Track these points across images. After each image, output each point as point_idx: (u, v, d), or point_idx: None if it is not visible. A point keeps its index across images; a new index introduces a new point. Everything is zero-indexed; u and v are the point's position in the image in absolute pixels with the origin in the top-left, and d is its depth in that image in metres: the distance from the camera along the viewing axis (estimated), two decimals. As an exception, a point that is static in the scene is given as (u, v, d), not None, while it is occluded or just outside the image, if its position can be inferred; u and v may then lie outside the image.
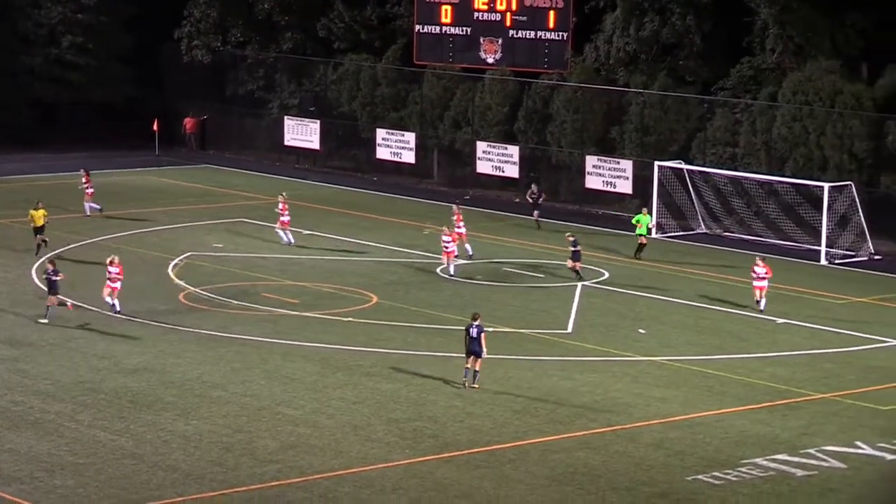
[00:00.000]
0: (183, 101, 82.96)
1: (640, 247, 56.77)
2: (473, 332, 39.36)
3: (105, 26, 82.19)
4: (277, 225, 58.13)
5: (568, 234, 54.84)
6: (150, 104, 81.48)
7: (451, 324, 46.45)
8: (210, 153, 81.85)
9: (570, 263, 53.05)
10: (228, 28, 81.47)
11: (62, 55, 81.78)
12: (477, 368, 39.46)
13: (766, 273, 48.61)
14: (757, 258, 49.28)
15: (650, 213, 59.32)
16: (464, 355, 39.91)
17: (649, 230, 57.88)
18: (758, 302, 48.53)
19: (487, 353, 39.69)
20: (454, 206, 57.73)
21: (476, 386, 39.24)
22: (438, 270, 53.93)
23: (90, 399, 38.56)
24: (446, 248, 53.26)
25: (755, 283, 48.73)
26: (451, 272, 52.85)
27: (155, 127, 79.95)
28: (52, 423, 36.64)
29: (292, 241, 57.62)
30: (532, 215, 62.72)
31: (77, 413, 37.44)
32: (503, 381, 40.68)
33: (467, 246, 55.75)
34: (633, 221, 57.73)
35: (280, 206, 58.08)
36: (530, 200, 63.17)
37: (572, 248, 53.07)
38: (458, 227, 55.58)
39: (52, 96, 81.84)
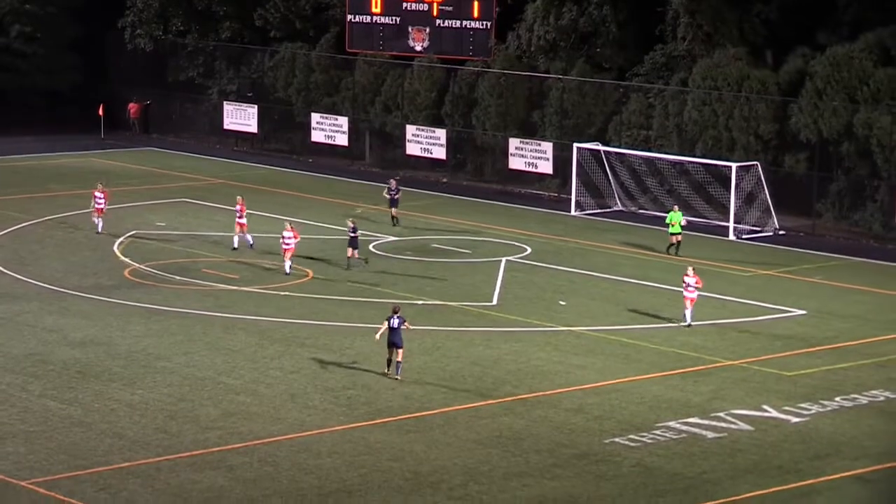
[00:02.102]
0: (127, 88, 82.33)
1: (677, 244, 53.28)
2: (395, 322, 37.68)
3: (52, 16, 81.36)
4: (93, 212, 55.02)
5: (349, 219, 51.42)
6: (96, 90, 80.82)
7: (383, 297, 46.43)
8: (153, 137, 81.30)
9: (349, 252, 50.13)
10: (169, 17, 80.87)
11: (10, 44, 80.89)
12: (399, 360, 37.68)
13: (697, 283, 43.88)
14: (689, 268, 44.42)
15: (679, 209, 54.59)
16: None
17: (682, 227, 53.50)
18: (684, 315, 43.84)
19: (414, 327, 39.64)
20: (238, 198, 53.29)
21: (398, 377, 37.61)
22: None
23: (40, 370, 38.28)
24: (287, 245, 49.15)
25: (685, 294, 43.95)
26: (287, 271, 48.84)
27: (100, 112, 79.34)
28: (4, 393, 36.34)
29: (100, 229, 54.43)
30: (391, 211, 57.93)
31: (27, 384, 37.16)
32: (432, 351, 40.69)
33: (248, 237, 52.38)
34: (667, 221, 53.78)
35: (99, 194, 54.74)
36: (387, 196, 57.92)
37: (350, 235, 49.96)
38: (240, 219, 52.22)
39: (1, 83, 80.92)
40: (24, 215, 58.31)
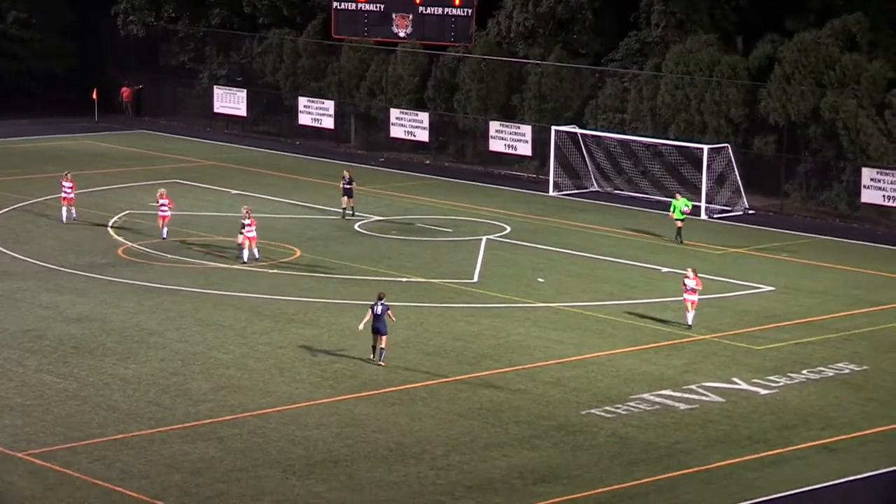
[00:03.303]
0: (120, 72, 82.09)
1: (678, 230, 51.85)
2: (378, 309, 36.52)
3: (47, 3, 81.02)
4: (63, 202, 52.85)
5: (244, 207, 48.45)
6: (90, 74, 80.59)
7: (368, 275, 46.43)
8: (145, 120, 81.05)
9: (240, 239, 47.65)
10: (161, 4, 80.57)
11: (7, 29, 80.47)
12: (382, 346, 36.66)
13: (697, 285, 40.89)
14: (689, 270, 41.46)
15: (683, 196, 53.42)
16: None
17: (683, 214, 51.93)
18: (686, 316, 41.12)
19: (398, 303, 39.57)
20: (162, 191, 51.02)
21: (382, 363, 36.66)
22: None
23: (36, 346, 38.19)
24: (248, 232, 47.39)
25: (686, 296, 41.11)
26: (245, 259, 47.17)
27: (94, 96, 79.09)
28: (1, 368, 36.23)
29: (73, 218, 52.54)
30: (342, 203, 55.13)
31: (24, 359, 37.07)
32: (415, 327, 40.67)
33: (164, 230, 50.24)
34: (671, 209, 52.41)
35: (67, 183, 52.77)
36: (342, 187, 54.90)
37: (244, 222, 47.36)
38: (163, 212, 50.01)
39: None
40: (21, 196, 58.08)
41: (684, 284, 41.19)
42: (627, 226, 55.37)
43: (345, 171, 55.92)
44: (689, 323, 41.08)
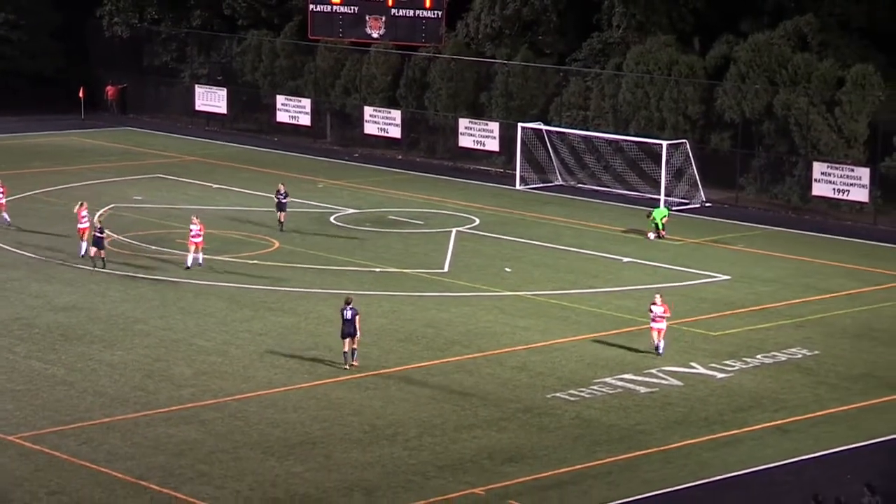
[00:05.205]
0: (105, 71, 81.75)
1: (658, 232, 51.32)
2: (348, 314, 35.17)
3: (35, 4, 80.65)
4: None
5: (96, 218, 46.24)
6: (77, 74, 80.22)
7: (343, 265, 46.38)
8: (130, 117, 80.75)
9: (92, 251, 45.02)
10: (144, 6, 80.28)
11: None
12: (355, 347, 35.44)
13: (664, 312, 36.88)
14: (655, 296, 37.43)
15: (663, 206, 53.53)
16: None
17: (656, 224, 51.39)
18: (656, 347, 37.06)
19: (373, 292, 39.50)
20: (78, 203, 47.46)
21: (356, 363, 35.46)
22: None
23: (26, 333, 38.05)
24: (195, 238, 45.17)
25: (652, 325, 37.06)
26: (189, 263, 44.89)
27: (81, 94, 78.75)
28: (-7, 355, 36.12)
29: (7, 221, 50.69)
30: (277, 215, 51.51)
31: (14, 346, 36.93)
32: (389, 315, 40.67)
33: (83, 246, 45.95)
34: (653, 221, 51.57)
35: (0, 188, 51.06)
36: (277, 200, 51.38)
37: (96, 235, 44.88)
38: (83, 224, 46.26)
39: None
40: (11, 190, 57.70)
41: (651, 311, 37.11)
42: (590, 218, 55.43)
43: (280, 185, 52.36)
44: (660, 351, 37.09)
